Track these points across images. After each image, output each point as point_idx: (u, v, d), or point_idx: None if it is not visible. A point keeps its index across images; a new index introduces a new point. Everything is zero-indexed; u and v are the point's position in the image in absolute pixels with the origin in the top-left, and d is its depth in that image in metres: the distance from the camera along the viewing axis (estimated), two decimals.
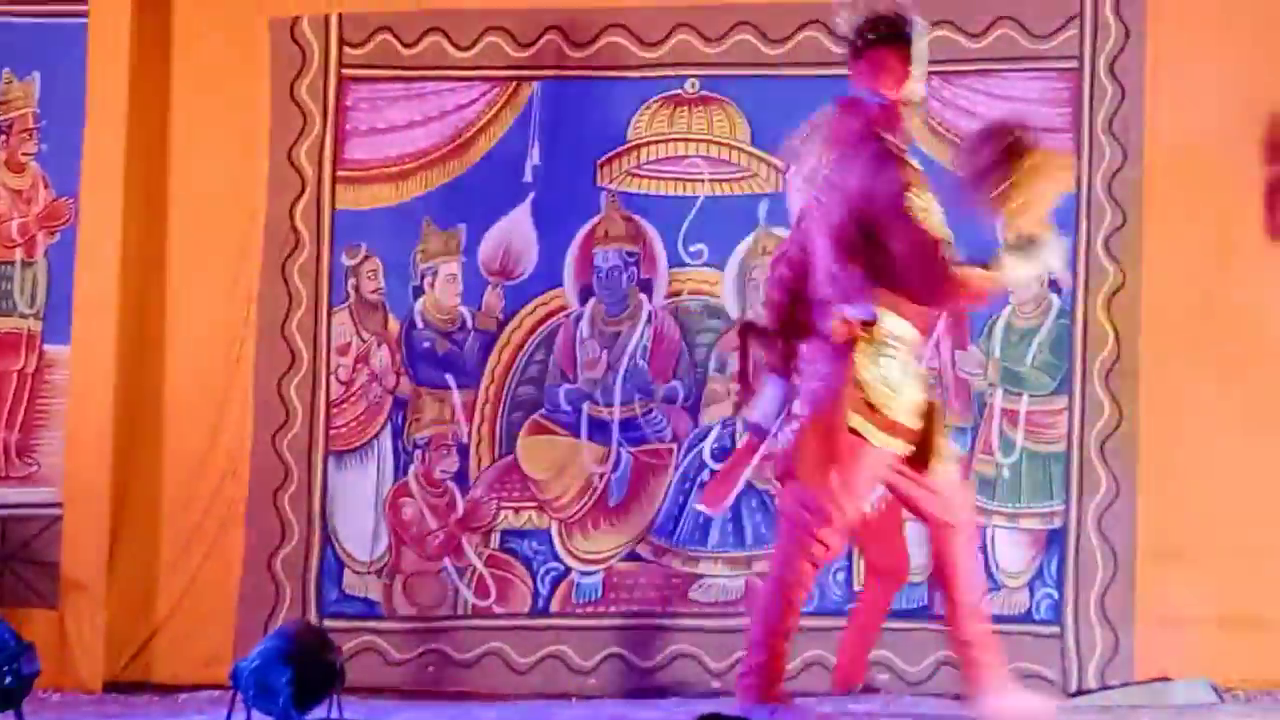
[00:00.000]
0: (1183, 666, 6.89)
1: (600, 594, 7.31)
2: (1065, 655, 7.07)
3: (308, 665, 5.26)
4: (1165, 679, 6.92)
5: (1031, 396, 7.22)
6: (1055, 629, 7.09)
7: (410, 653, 7.29)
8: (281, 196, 7.43)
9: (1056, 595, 7.11)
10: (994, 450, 7.21)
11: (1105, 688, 6.97)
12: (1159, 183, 7.10)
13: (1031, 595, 7.15)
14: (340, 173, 7.47)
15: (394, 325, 7.47)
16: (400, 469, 7.43)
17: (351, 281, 7.47)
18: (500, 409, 7.42)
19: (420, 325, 7.47)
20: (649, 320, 7.39)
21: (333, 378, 7.44)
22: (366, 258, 7.48)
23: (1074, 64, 7.22)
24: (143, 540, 7.34)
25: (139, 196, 7.39)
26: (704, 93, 7.41)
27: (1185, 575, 6.80)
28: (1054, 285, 7.15)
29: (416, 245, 7.44)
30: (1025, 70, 7.26)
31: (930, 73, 7.14)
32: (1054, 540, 7.12)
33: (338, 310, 7.46)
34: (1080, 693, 6.98)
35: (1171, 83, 7.11)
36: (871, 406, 5.86)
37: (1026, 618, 7.13)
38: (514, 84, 7.46)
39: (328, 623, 7.20)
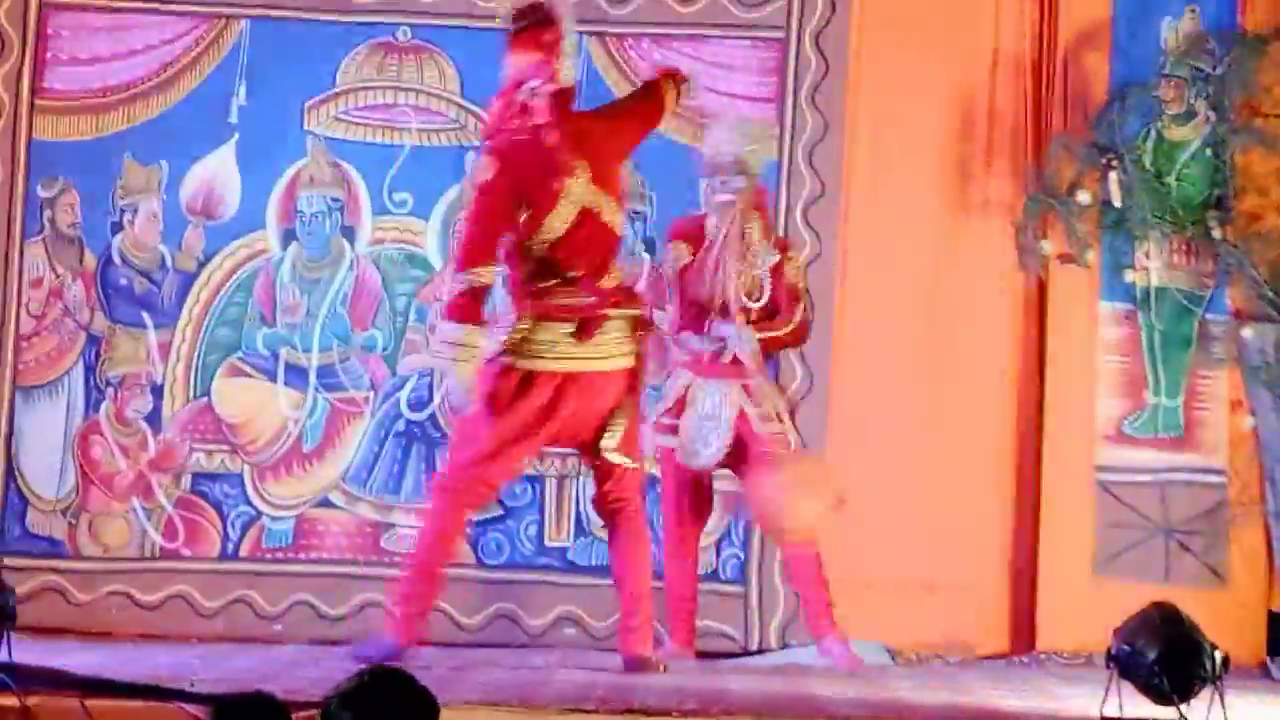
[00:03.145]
0: (858, 629, 7.07)
1: (291, 540, 7.28)
2: (748, 614, 7.22)
3: None
4: None
5: None
6: (740, 588, 7.24)
7: (94, 593, 7.17)
8: None
9: (742, 555, 7.25)
10: None
11: (785, 647, 7.13)
12: (858, 157, 7.27)
13: (718, 555, 7.28)
14: (39, 102, 7.30)
15: (90, 261, 7.33)
16: (91, 406, 7.30)
17: (47, 214, 7.32)
18: (197, 350, 7.33)
19: (118, 262, 7.34)
20: (351, 267, 7.36)
21: (24, 311, 7.28)
22: (64, 190, 7.32)
23: (780, 34, 7.34)
24: None
25: None
26: (416, 41, 7.39)
27: (864, 540, 6.96)
28: None
29: (117, 180, 7.31)
30: (734, 37, 7.37)
31: (641, 35, 7.31)
32: (742, 501, 7.25)
33: (32, 242, 7.30)
34: (761, 651, 7.13)
35: (873, 60, 7.29)
36: None
37: (713, 576, 7.25)
38: (223, 21, 7.35)
39: (8, 560, 7.05)
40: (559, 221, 5.90)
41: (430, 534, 6.16)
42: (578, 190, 5.92)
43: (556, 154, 5.90)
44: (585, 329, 5.94)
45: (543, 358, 5.96)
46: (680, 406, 6.64)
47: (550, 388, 5.96)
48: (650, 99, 6.29)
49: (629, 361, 6.05)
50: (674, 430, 6.64)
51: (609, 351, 6.03)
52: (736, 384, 6.63)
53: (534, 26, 5.98)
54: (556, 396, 5.96)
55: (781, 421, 6.65)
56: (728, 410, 6.60)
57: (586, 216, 5.93)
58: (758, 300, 6.63)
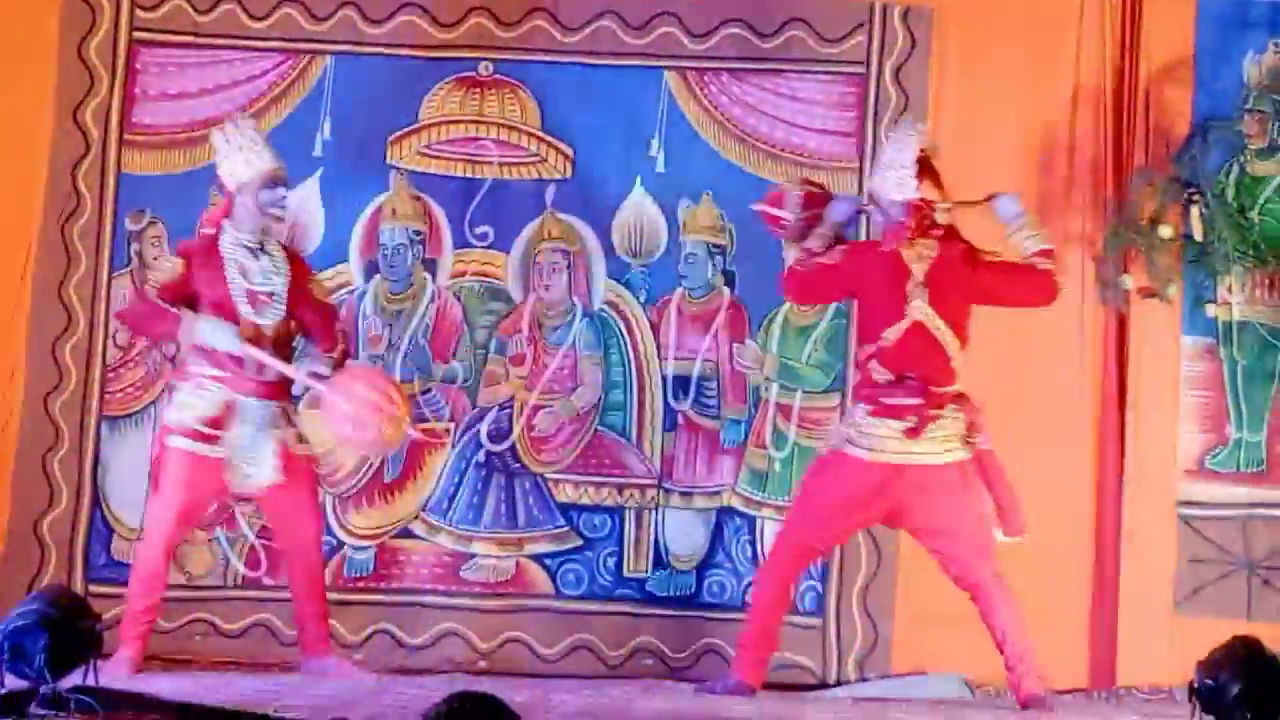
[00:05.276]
0: (938, 662, 7.07)
1: (371, 569, 7.33)
2: (826, 646, 7.21)
3: (64, 631, 5.20)
4: (921, 673, 7.09)
5: (805, 392, 7.36)
6: (817, 621, 7.23)
7: (177, 621, 7.22)
8: (64, 157, 7.35)
9: (820, 588, 7.24)
10: (767, 443, 7.33)
11: (863, 679, 7.13)
12: None
13: (797, 587, 7.27)
14: (127, 136, 7.40)
15: None
16: None
17: (134, 247, 7.40)
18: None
19: None
20: (432, 299, 7.41)
21: (110, 342, 7.36)
22: (150, 223, 7.41)
23: (860, 69, 7.37)
24: None
25: None
26: (497, 76, 7.45)
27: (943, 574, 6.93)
28: None
29: (202, 214, 7.37)
30: (814, 73, 7.39)
31: (721, 70, 7.35)
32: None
33: (119, 275, 7.38)
34: (839, 683, 7.12)
35: (952, 94, 7.30)
36: None
37: (791, 609, 7.24)
38: (308, 57, 7.44)
39: (94, 588, 7.13)
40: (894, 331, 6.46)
41: (768, 584, 6.59)
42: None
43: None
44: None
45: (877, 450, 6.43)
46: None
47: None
48: (1033, 283, 6.57)
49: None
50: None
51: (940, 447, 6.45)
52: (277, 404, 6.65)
53: (930, 161, 6.58)
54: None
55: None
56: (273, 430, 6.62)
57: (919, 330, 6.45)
58: None
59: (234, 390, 6.54)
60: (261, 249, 6.62)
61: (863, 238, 6.99)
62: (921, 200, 6.51)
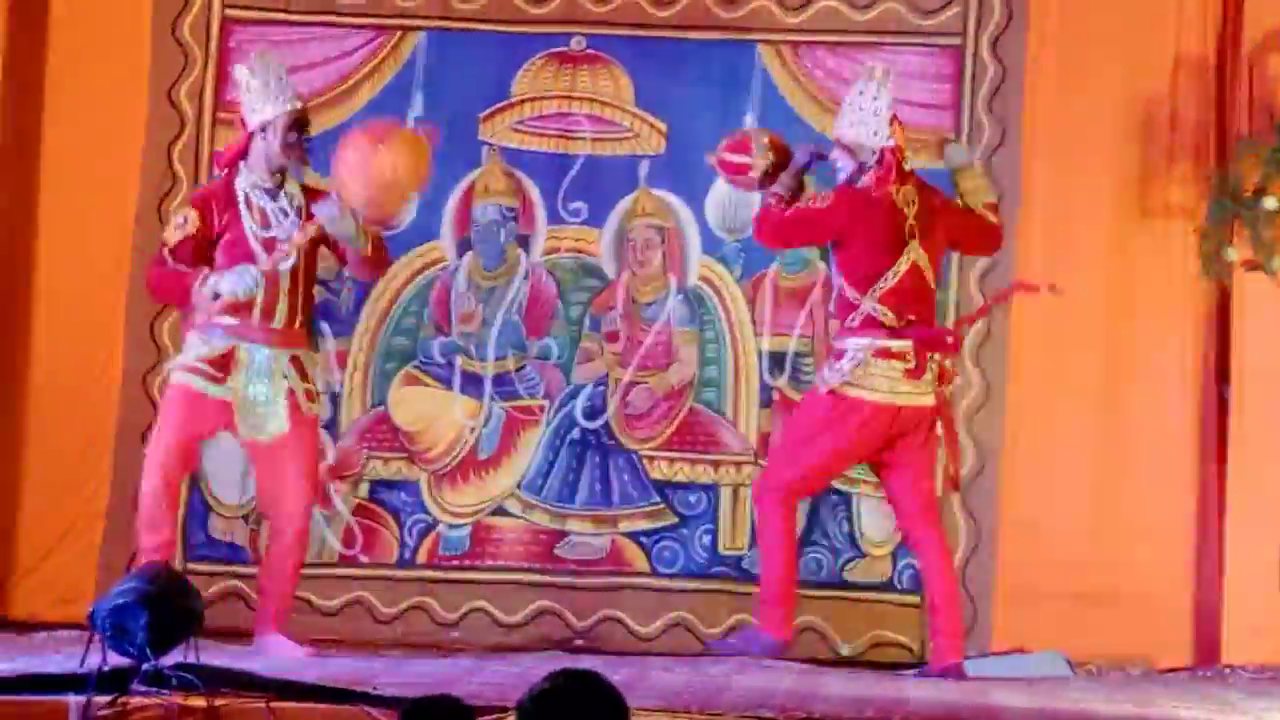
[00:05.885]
0: (1039, 639, 6.99)
1: (467, 547, 7.33)
2: (925, 625, 7.14)
3: (165, 609, 5.22)
4: (1021, 651, 7.02)
5: None
6: (916, 599, 7.17)
7: None
8: (159, 135, 7.38)
9: (919, 566, 7.18)
10: None
11: (964, 658, 7.05)
12: (1036, 162, 7.20)
13: (894, 564, 7.23)
14: (220, 114, 7.41)
15: None
16: None
17: None
18: (373, 359, 7.40)
19: None
20: (525, 276, 7.40)
21: None
22: None
23: (957, 41, 7.29)
24: (5, 478, 7.28)
25: (11, 128, 7.33)
26: (590, 51, 7.42)
27: (1044, 551, 6.88)
28: None
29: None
30: (910, 45, 7.32)
31: (816, 43, 7.30)
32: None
33: None
34: None
35: (1050, 64, 7.21)
36: None
37: (889, 586, 7.21)
38: (399, 33, 7.44)
39: (192, 566, 7.16)
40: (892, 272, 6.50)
41: (774, 540, 6.57)
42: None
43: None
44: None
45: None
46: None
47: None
48: (988, 235, 6.72)
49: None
50: None
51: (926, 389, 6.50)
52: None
53: None
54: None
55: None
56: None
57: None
58: None
59: (241, 336, 6.38)
60: (280, 189, 6.51)
61: (814, 185, 6.88)
62: (896, 146, 6.52)
